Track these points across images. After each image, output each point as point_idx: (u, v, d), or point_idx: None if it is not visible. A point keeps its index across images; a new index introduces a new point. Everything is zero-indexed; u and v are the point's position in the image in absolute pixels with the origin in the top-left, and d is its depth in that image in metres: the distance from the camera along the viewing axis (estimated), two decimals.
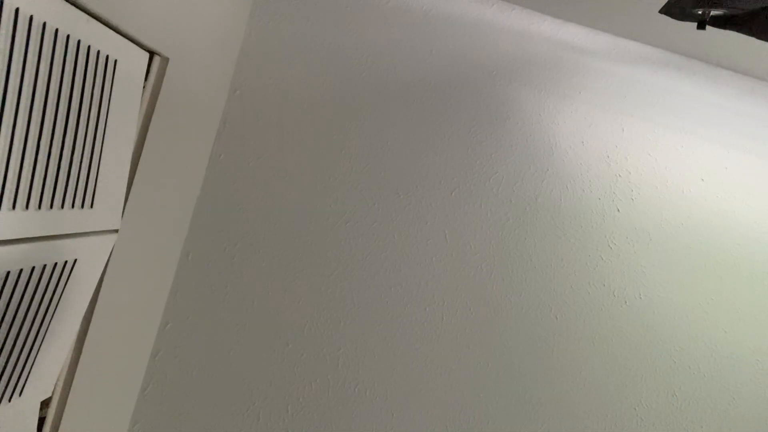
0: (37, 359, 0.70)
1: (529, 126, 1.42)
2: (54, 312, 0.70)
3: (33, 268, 0.62)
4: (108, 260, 0.84)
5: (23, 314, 0.63)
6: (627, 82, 1.44)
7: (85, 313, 0.83)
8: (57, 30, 0.58)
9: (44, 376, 0.74)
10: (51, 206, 0.63)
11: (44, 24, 0.56)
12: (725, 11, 0.87)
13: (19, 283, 0.60)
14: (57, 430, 0.86)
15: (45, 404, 0.83)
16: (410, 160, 1.39)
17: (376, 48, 1.39)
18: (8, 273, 0.58)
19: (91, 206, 0.73)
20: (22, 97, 0.55)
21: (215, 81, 1.26)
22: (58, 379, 0.83)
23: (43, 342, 0.70)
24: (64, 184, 0.65)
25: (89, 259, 0.76)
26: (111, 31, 0.71)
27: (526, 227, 1.42)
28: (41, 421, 0.82)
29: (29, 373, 0.69)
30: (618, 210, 1.44)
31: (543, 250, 1.42)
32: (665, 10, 0.95)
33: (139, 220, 0.96)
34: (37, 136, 0.58)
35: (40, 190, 0.61)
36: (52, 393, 0.83)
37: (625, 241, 1.44)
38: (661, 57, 1.44)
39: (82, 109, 0.66)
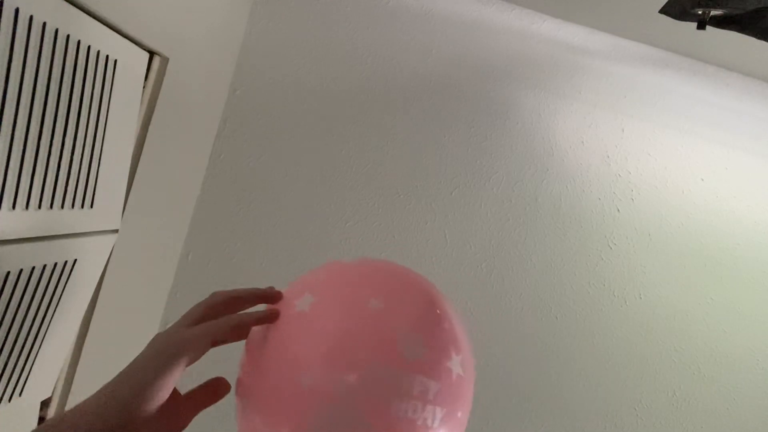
0: (37, 359, 0.70)
1: (529, 126, 1.42)
2: (54, 312, 0.70)
3: (33, 268, 0.62)
4: (108, 260, 0.84)
5: (23, 314, 0.63)
6: (627, 82, 1.44)
7: (85, 313, 0.83)
8: (57, 30, 0.58)
9: (44, 376, 0.74)
10: (51, 206, 0.64)
11: (44, 24, 0.56)
12: (725, 11, 0.87)
13: (19, 283, 0.60)
14: None
15: (45, 404, 0.83)
16: (410, 160, 1.39)
17: (375, 48, 1.39)
18: (8, 273, 0.58)
19: (91, 206, 0.73)
20: (22, 97, 0.55)
21: (215, 81, 1.26)
22: (58, 379, 0.83)
23: (43, 342, 0.70)
24: (64, 184, 0.66)
25: (89, 259, 0.76)
26: (111, 31, 0.71)
27: (526, 227, 1.42)
28: (41, 420, 0.82)
29: (29, 373, 0.69)
30: (618, 210, 1.44)
31: (543, 250, 1.42)
32: (665, 10, 0.95)
33: (139, 220, 0.96)
34: (37, 136, 0.58)
35: (40, 190, 0.61)
36: (52, 393, 0.83)
37: (625, 241, 1.44)
38: (661, 57, 1.44)
39: (82, 109, 0.66)
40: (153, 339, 0.42)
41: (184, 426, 0.45)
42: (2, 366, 0.63)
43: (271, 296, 0.50)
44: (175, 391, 0.44)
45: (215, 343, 0.44)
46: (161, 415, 0.40)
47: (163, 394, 0.39)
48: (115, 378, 0.40)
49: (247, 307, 0.49)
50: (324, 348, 0.44)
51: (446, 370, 0.45)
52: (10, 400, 0.67)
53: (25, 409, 0.70)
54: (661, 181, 1.45)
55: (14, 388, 0.67)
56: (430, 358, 0.45)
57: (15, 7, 0.51)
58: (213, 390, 0.48)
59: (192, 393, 0.47)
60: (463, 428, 0.48)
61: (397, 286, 0.51)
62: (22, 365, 0.67)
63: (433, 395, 0.44)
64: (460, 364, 0.47)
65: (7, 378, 0.65)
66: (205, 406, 0.47)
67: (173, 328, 0.44)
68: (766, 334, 1.45)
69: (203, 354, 0.43)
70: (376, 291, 0.48)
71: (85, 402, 0.38)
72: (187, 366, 0.41)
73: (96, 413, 0.37)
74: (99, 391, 0.39)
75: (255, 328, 0.49)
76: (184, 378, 0.47)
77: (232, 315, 0.46)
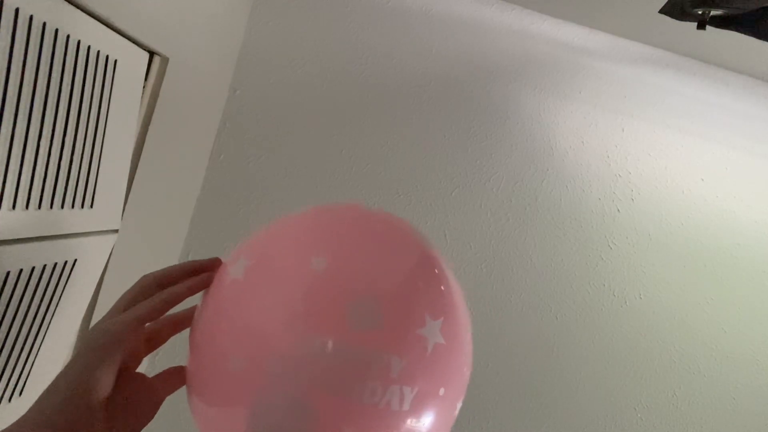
0: (37, 359, 0.70)
1: (529, 126, 1.42)
2: (54, 312, 0.70)
3: (33, 268, 0.62)
4: (108, 260, 0.84)
5: (23, 314, 0.63)
6: (627, 82, 1.44)
7: (85, 313, 0.83)
8: (57, 30, 0.58)
9: (44, 376, 0.74)
10: (51, 206, 0.63)
11: (44, 24, 0.56)
12: (725, 11, 0.87)
13: (19, 283, 0.60)
14: None
15: None
16: (410, 160, 1.39)
17: (375, 48, 1.39)
18: (8, 273, 0.58)
19: (91, 206, 0.73)
20: (22, 97, 0.55)
21: (215, 81, 1.26)
22: None
23: (43, 342, 0.70)
24: (64, 184, 0.65)
25: (89, 259, 0.76)
26: (111, 31, 0.70)
27: (526, 227, 1.42)
28: None
29: (29, 373, 0.69)
30: (618, 210, 1.44)
31: (543, 250, 1.42)
32: (665, 10, 0.95)
33: (139, 220, 0.96)
34: (37, 136, 0.58)
35: (40, 190, 0.61)
36: None
37: (625, 241, 1.44)
38: (661, 57, 1.44)
39: (82, 109, 0.66)
40: (85, 334, 0.40)
41: (156, 406, 0.43)
42: (2, 366, 0.63)
43: (208, 265, 0.46)
44: (139, 376, 0.42)
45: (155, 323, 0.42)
46: (122, 403, 0.39)
47: (101, 388, 0.37)
48: (51, 383, 0.38)
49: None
50: (253, 323, 0.37)
51: (415, 339, 0.36)
52: (10, 400, 0.67)
53: (25, 410, 0.70)
54: (661, 181, 1.45)
55: (14, 388, 0.67)
56: (390, 326, 0.36)
57: (15, 7, 0.51)
58: (181, 372, 0.45)
59: (161, 375, 0.45)
60: (451, 407, 0.40)
61: (350, 238, 0.41)
62: (22, 365, 0.67)
63: (398, 373, 0.35)
64: (439, 331, 0.38)
65: (7, 378, 0.65)
66: (176, 388, 0.45)
67: (102, 319, 0.41)
68: (766, 334, 1.45)
69: (137, 337, 0.40)
70: (321, 246, 0.39)
71: (24, 416, 0.37)
72: (122, 353, 0.38)
73: (36, 423, 0.36)
74: (36, 402, 0.38)
75: (200, 303, 0.44)
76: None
77: (162, 291, 0.42)
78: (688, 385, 1.44)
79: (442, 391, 0.38)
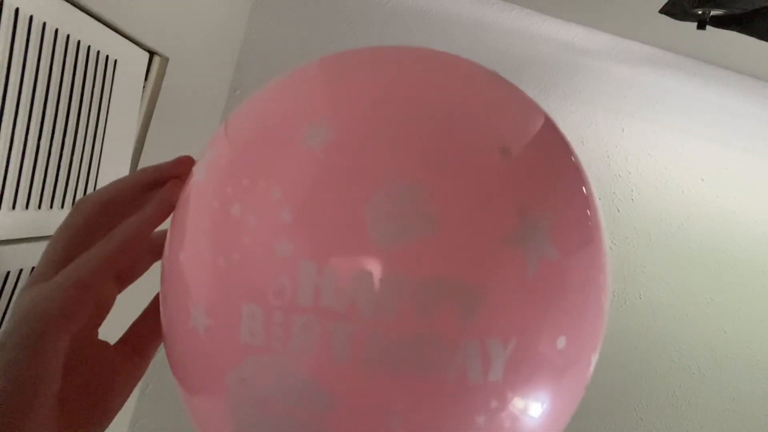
0: None
1: None
2: None
3: (33, 268, 0.62)
4: None
5: None
6: (627, 82, 1.44)
7: None
8: (57, 30, 0.58)
9: None
10: (51, 206, 0.64)
11: (44, 24, 0.56)
12: (725, 11, 0.87)
13: (19, 283, 0.60)
14: None
15: None
16: None
17: None
18: (8, 273, 0.58)
19: None
20: (22, 97, 0.55)
21: (215, 81, 1.26)
22: None
23: None
24: (64, 184, 0.66)
25: None
26: (111, 31, 0.71)
27: None
28: None
29: None
30: (618, 210, 1.44)
31: None
32: (665, 10, 0.95)
33: None
34: (37, 137, 0.58)
35: (40, 191, 0.61)
36: None
37: (625, 241, 1.44)
38: (661, 57, 1.44)
39: (82, 109, 0.66)
40: (15, 301, 0.27)
41: (138, 376, 0.31)
42: None
43: (174, 170, 0.32)
44: (98, 349, 0.29)
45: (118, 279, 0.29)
46: (77, 392, 0.27)
47: (43, 386, 0.25)
48: None
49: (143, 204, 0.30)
50: (212, 251, 0.22)
51: (503, 253, 0.20)
52: None
53: None
54: (661, 181, 1.45)
55: None
56: (451, 231, 0.20)
57: (15, 7, 0.51)
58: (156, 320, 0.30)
59: (129, 335, 0.32)
60: (582, 367, 0.25)
61: (368, 88, 0.24)
62: None
63: (474, 315, 0.20)
64: (547, 238, 0.21)
65: None
66: (158, 344, 0.31)
67: (31, 280, 0.27)
68: (766, 334, 1.45)
69: (91, 305, 0.26)
70: (318, 106, 0.24)
71: None
72: (71, 332, 0.25)
73: None
74: None
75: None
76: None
77: (112, 233, 0.27)
78: (688, 385, 1.44)
79: (561, 342, 0.22)
